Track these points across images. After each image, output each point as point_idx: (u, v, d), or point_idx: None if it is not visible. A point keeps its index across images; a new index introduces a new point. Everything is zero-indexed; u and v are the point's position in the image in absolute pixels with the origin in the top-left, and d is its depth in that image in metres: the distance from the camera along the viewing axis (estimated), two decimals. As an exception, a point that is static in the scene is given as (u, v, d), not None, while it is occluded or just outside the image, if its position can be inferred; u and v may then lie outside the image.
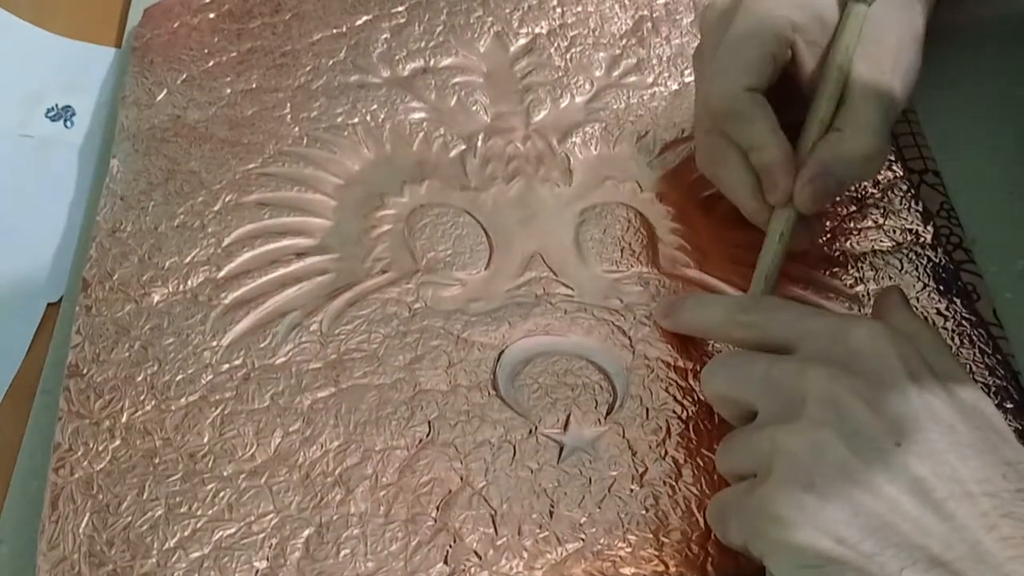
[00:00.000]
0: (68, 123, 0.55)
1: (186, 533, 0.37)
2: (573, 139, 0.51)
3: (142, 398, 0.41)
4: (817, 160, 0.42)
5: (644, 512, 0.38)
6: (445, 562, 0.37)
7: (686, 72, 0.54)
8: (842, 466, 0.32)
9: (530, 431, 0.40)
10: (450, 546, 0.37)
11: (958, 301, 0.45)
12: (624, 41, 0.56)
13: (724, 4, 0.45)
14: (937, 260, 0.47)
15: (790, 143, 0.43)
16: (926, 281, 0.46)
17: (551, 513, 0.38)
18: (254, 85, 0.53)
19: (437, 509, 0.38)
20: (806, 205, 0.42)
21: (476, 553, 0.37)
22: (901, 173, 0.50)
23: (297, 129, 0.51)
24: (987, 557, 0.31)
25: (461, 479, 0.39)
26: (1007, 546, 0.31)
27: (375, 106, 0.52)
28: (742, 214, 0.45)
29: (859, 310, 0.45)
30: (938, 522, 0.31)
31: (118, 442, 0.40)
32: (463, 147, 0.51)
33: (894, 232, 0.48)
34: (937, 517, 0.31)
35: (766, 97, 0.43)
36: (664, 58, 0.55)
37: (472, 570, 0.37)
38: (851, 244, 0.47)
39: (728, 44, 0.44)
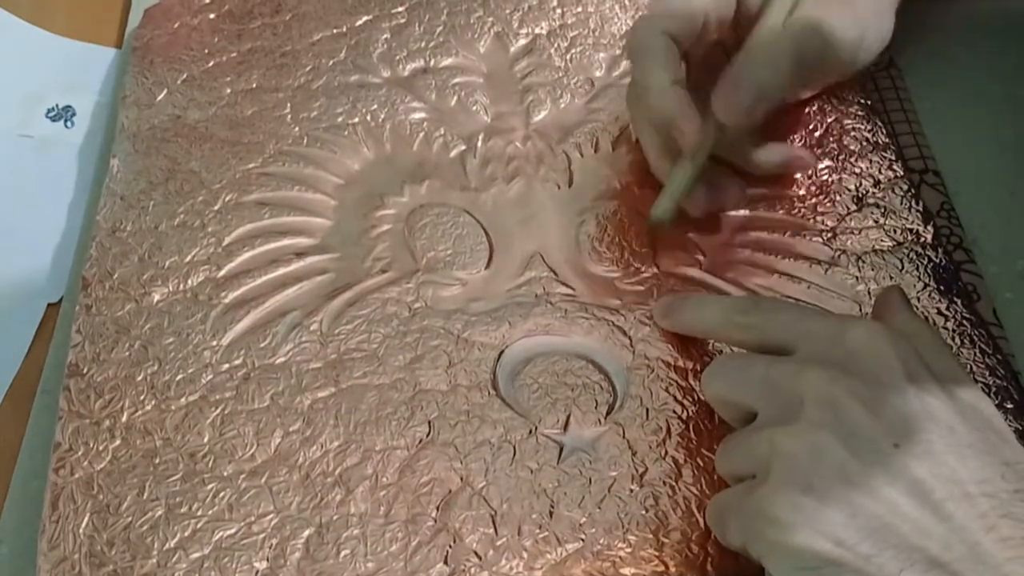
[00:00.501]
0: (68, 123, 0.55)
1: (186, 533, 0.38)
2: (573, 139, 0.51)
3: (142, 398, 0.41)
4: (727, 75, 0.43)
5: (644, 512, 0.38)
6: (445, 562, 0.37)
7: (686, 72, 0.54)
8: (840, 468, 0.32)
9: (530, 431, 0.40)
10: (450, 546, 0.37)
11: (958, 301, 0.45)
12: (624, 42, 0.56)
13: None
14: (937, 260, 0.47)
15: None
16: (926, 281, 0.46)
17: (551, 513, 0.38)
18: (254, 85, 0.53)
19: (437, 509, 0.38)
20: (725, 116, 0.43)
21: (476, 553, 0.37)
22: (901, 173, 0.50)
23: (297, 129, 0.51)
24: (986, 558, 0.31)
25: (461, 479, 0.39)
26: (1006, 547, 0.31)
27: (375, 106, 0.52)
28: (740, 215, 0.46)
29: (859, 310, 0.45)
30: (937, 523, 0.31)
31: (118, 442, 0.40)
32: (463, 147, 0.51)
33: (894, 232, 0.48)
34: (936, 518, 0.31)
35: (711, 71, 0.44)
36: (664, 58, 0.55)
37: (472, 570, 0.37)
38: (851, 244, 0.47)
39: None
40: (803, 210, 0.48)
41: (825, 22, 0.44)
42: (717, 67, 0.44)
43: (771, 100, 0.44)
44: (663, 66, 0.44)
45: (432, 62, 0.55)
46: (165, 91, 0.53)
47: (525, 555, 0.37)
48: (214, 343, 0.43)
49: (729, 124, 0.44)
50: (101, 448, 0.40)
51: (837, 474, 0.32)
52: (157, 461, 0.39)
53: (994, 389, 0.42)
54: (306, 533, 0.38)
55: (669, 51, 0.44)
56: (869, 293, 0.45)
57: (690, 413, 0.41)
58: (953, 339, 0.44)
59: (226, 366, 0.42)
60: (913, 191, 0.49)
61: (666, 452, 0.40)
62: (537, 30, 0.57)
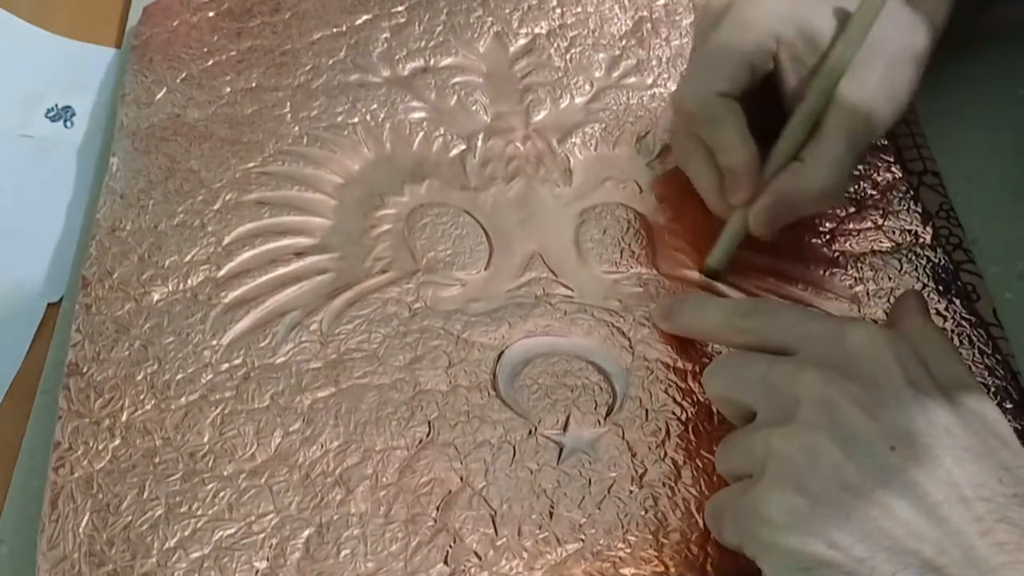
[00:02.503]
0: (68, 123, 0.54)
1: (186, 533, 0.38)
2: (573, 139, 0.51)
3: (142, 397, 0.41)
4: (774, 190, 0.43)
5: (644, 513, 0.38)
6: (445, 562, 0.37)
7: (686, 73, 0.54)
8: (835, 470, 0.33)
9: (530, 432, 0.40)
10: (450, 546, 0.37)
11: (957, 301, 0.45)
12: (624, 42, 0.56)
13: (716, 6, 0.45)
14: (937, 260, 0.47)
15: (759, 149, 0.43)
16: (925, 281, 0.46)
17: (551, 514, 0.38)
18: (254, 84, 0.53)
19: (437, 509, 0.38)
20: (759, 230, 0.44)
21: (476, 554, 0.37)
22: (900, 175, 0.50)
23: (297, 128, 0.51)
24: (980, 562, 0.31)
25: (461, 479, 0.39)
26: (1001, 552, 0.31)
27: (375, 105, 0.52)
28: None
29: (858, 310, 0.45)
30: (931, 527, 0.31)
31: (118, 441, 0.40)
32: (463, 147, 0.51)
33: (893, 233, 0.48)
34: (930, 522, 0.31)
35: (746, 104, 0.44)
36: (664, 59, 0.55)
37: (472, 570, 0.37)
38: (850, 245, 0.47)
39: (708, 49, 0.44)
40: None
41: (874, 112, 0.43)
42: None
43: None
44: (731, 125, 0.43)
45: (432, 61, 0.55)
46: (164, 89, 0.53)
47: (525, 555, 0.37)
48: (214, 343, 0.43)
49: (763, 237, 0.44)
50: (101, 447, 0.40)
51: (832, 476, 0.33)
52: (157, 460, 0.39)
53: (993, 389, 0.42)
54: (306, 533, 0.38)
55: (729, 109, 0.43)
56: (868, 294, 0.45)
57: (689, 414, 0.41)
58: (952, 339, 0.44)
59: (226, 366, 0.42)
60: (912, 192, 0.49)
61: (665, 453, 0.40)
62: (537, 30, 0.57)
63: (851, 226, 0.48)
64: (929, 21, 0.45)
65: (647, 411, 0.41)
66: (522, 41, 0.56)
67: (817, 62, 0.43)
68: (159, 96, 0.52)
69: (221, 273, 0.45)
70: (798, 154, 0.43)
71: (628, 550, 0.37)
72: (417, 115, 0.52)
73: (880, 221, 0.48)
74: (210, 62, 0.54)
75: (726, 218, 0.45)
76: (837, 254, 0.47)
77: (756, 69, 0.44)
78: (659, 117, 0.52)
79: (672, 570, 0.37)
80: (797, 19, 0.44)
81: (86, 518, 0.38)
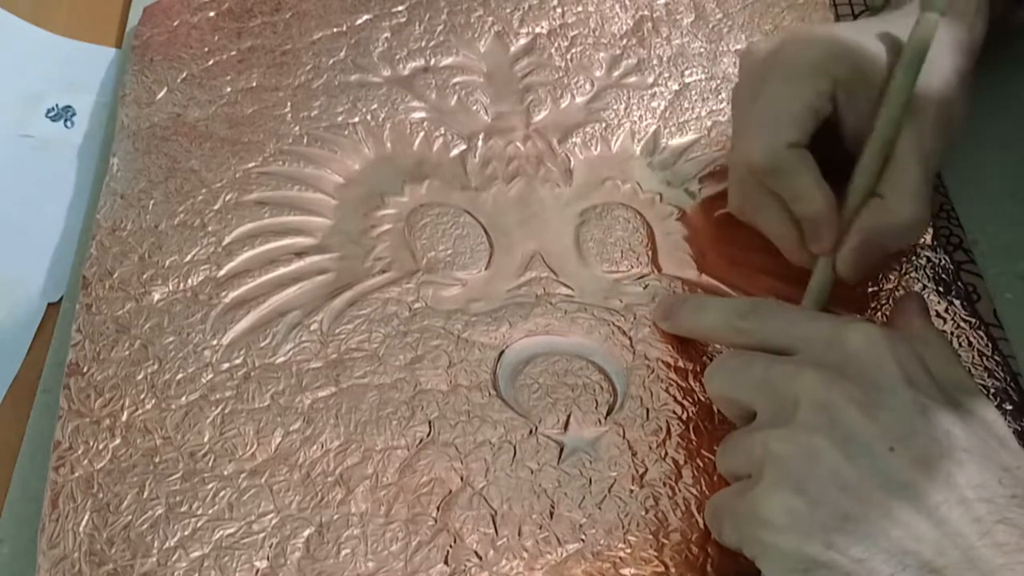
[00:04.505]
0: (68, 123, 0.54)
1: (186, 532, 0.38)
2: (573, 139, 0.51)
3: (142, 397, 0.41)
4: (859, 229, 0.42)
5: (644, 513, 0.38)
6: (445, 562, 0.37)
7: (686, 72, 0.54)
8: (834, 471, 0.33)
9: (530, 431, 0.40)
10: (450, 546, 0.37)
11: (957, 302, 0.45)
12: (624, 41, 0.56)
13: (764, 50, 0.44)
14: (937, 261, 0.47)
15: (833, 194, 0.42)
16: (925, 282, 0.46)
17: (551, 514, 0.38)
18: (254, 84, 0.53)
19: (437, 509, 0.38)
20: (849, 275, 0.42)
21: (476, 553, 0.37)
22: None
23: (297, 128, 0.51)
24: (979, 563, 0.31)
25: (461, 479, 0.39)
26: (1000, 553, 0.31)
27: (375, 105, 0.52)
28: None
29: (858, 311, 0.45)
30: (930, 527, 0.31)
31: (118, 441, 0.40)
32: (463, 147, 0.51)
33: (894, 233, 0.47)
34: (929, 523, 0.31)
35: (808, 147, 0.42)
36: (664, 58, 0.55)
37: (472, 570, 0.37)
38: (851, 245, 0.47)
39: (769, 97, 0.43)
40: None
41: (939, 136, 0.42)
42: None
43: None
44: (806, 174, 0.42)
45: (432, 61, 0.55)
46: (165, 89, 0.53)
47: (525, 555, 0.37)
48: (214, 342, 0.43)
49: (852, 281, 0.43)
50: (101, 447, 0.40)
51: (830, 477, 0.33)
52: (157, 460, 0.39)
53: (992, 391, 0.42)
54: (306, 532, 0.38)
55: (802, 159, 0.42)
56: (868, 295, 0.45)
57: (690, 414, 0.41)
58: (951, 341, 0.44)
59: (226, 365, 0.42)
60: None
61: (666, 453, 0.40)
62: (537, 29, 0.57)
63: (851, 226, 0.48)
64: (969, 38, 0.45)
65: (648, 410, 0.41)
66: (523, 41, 0.56)
67: (879, 94, 0.42)
68: (159, 96, 0.52)
69: (221, 273, 0.45)
70: (875, 190, 0.42)
71: (628, 550, 0.37)
72: (417, 115, 0.52)
73: (880, 221, 0.48)
74: (210, 62, 0.54)
75: (807, 267, 0.43)
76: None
77: (819, 114, 0.42)
78: (660, 116, 0.52)
79: (672, 570, 0.37)
80: (848, 55, 0.42)
81: (86, 517, 0.38)
